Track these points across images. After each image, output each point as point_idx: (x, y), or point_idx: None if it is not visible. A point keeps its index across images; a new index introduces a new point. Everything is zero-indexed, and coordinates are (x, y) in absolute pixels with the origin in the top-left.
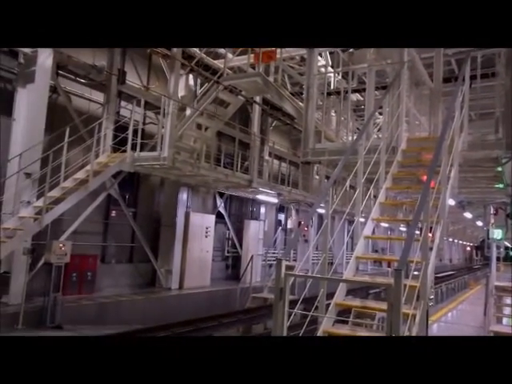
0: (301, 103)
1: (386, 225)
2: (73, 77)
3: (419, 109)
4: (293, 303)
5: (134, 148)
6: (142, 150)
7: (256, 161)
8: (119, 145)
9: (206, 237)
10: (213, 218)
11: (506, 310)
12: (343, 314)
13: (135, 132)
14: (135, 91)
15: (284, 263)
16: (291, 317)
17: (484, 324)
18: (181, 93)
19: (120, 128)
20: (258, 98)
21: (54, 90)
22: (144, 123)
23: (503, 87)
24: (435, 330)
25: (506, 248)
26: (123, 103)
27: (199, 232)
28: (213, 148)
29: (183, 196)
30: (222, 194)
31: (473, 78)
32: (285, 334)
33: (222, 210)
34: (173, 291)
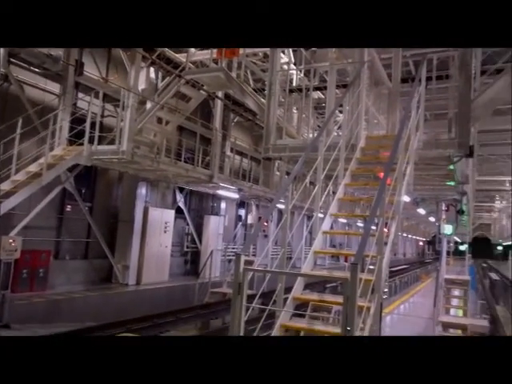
0: (263, 99)
1: (345, 220)
2: (26, 65)
3: (378, 108)
4: (251, 298)
5: (91, 141)
6: (99, 143)
7: (217, 156)
8: (76, 137)
9: (165, 232)
10: (172, 212)
11: (454, 302)
12: (301, 307)
13: (93, 125)
14: (93, 83)
15: (243, 258)
16: (249, 311)
17: (433, 315)
18: (141, 86)
19: (77, 120)
20: (220, 93)
21: (5, 78)
22: (102, 116)
23: (456, 89)
24: (388, 321)
25: (456, 243)
26: (80, 95)
27: (158, 227)
28: (173, 142)
29: (142, 191)
30: (182, 189)
31: (429, 79)
32: (242, 328)
33: (181, 205)
34: (130, 287)
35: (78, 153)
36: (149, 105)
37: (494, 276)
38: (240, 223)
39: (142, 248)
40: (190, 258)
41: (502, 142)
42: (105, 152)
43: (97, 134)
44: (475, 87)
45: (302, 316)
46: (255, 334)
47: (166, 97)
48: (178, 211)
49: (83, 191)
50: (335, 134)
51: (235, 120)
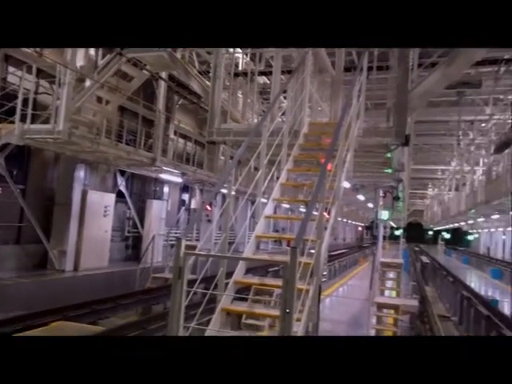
0: (208, 82)
1: (288, 205)
2: None
3: (322, 95)
4: (193, 282)
5: (23, 119)
6: (33, 121)
7: (160, 139)
8: (6, 115)
9: (105, 216)
10: (113, 196)
11: (389, 283)
12: (244, 291)
13: (25, 101)
14: (26, 56)
15: (183, 242)
16: (189, 296)
17: (369, 296)
18: (79, 62)
19: (7, 96)
20: (163, 74)
21: None
22: (36, 92)
23: (395, 80)
24: (328, 303)
25: (392, 228)
26: (11, 69)
27: (97, 211)
28: (114, 123)
29: (80, 173)
30: (123, 172)
31: (370, 69)
32: (182, 312)
33: (123, 188)
34: (66, 273)
35: (8, 131)
36: (88, 83)
37: (424, 259)
38: (183, 208)
39: (80, 232)
40: (132, 243)
41: (435, 133)
42: (39, 131)
43: (30, 111)
44: (412, 79)
45: (244, 300)
46: (196, 319)
47: (106, 75)
48: (119, 195)
49: (15, 173)
50: (279, 119)
51: (179, 102)
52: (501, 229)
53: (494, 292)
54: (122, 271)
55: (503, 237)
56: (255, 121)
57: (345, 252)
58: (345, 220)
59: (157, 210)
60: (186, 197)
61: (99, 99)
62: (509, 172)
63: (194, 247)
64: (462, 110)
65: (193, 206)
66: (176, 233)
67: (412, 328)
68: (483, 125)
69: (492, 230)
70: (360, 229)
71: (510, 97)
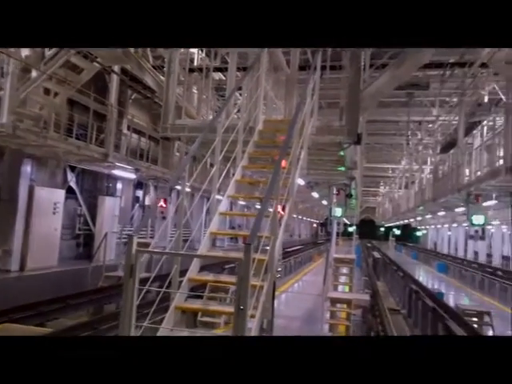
0: (162, 77)
1: (244, 202)
2: None
3: (276, 93)
4: (146, 281)
5: None
6: None
7: (113, 134)
8: None
9: (54, 213)
10: (62, 193)
11: (342, 279)
12: (200, 289)
13: None
14: None
15: (135, 240)
16: (141, 294)
17: (323, 292)
18: (25, 52)
19: None
20: (116, 68)
21: None
22: None
23: (347, 80)
24: (283, 299)
25: (345, 224)
26: None
27: (46, 208)
28: (63, 117)
29: (27, 168)
30: (73, 168)
31: (323, 68)
32: (134, 312)
33: (73, 184)
34: (12, 273)
35: None
36: (34, 74)
37: (376, 254)
38: (137, 205)
39: (26, 231)
40: (83, 241)
41: (386, 133)
42: None
43: None
44: (364, 79)
45: (200, 297)
46: (149, 318)
47: (53, 66)
48: (70, 191)
49: None
50: (234, 116)
51: (133, 97)
52: (446, 225)
53: (440, 285)
54: (73, 270)
55: (448, 233)
56: (210, 117)
57: (300, 248)
58: (300, 217)
59: (109, 206)
60: (140, 193)
61: (47, 91)
62: (454, 171)
63: (147, 245)
64: (411, 110)
65: (147, 202)
66: (130, 230)
67: (364, 322)
68: (430, 125)
69: (438, 226)
70: (315, 225)
71: (454, 99)
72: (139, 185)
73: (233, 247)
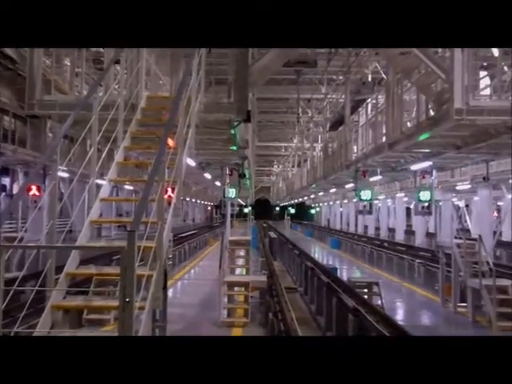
0: None
1: (132, 187)
2: None
3: (162, 68)
4: (21, 280)
5: None
6: None
7: None
8: None
9: None
10: None
11: (239, 262)
12: (86, 284)
13: None
14: None
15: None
16: (9, 295)
17: (219, 276)
18: None
19: None
20: None
21: None
22: None
23: (235, 55)
24: (179, 287)
25: (240, 206)
26: None
27: None
28: None
29: None
30: None
31: None
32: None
33: None
34: None
35: None
36: None
37: (272, 234)
38: (3, 194)
39: None
40: None
41: (277, 110)
42: None
43: None
44: (253, 54)
45: (85, 293)
46: (19, 321)
47: None
48: None
49: None
50: (114, 91)
51: None
52: (338, 202)
53: (334, 261)
54: None
55: (340, 209)
56: (85, 93)
57: (194, 233)
58: (194, 200)
59: None
60: (6, 181)
61: None
62: (343, 148)
63: (14, 239)
64: (301, 88)
65: (15, 191)
66: None
67: (261, 303)
68: (319, 103)
69: (331, 203)
70: (209, 208)
71: (341, 77)
72: (5, 171)
73: (120, 236)
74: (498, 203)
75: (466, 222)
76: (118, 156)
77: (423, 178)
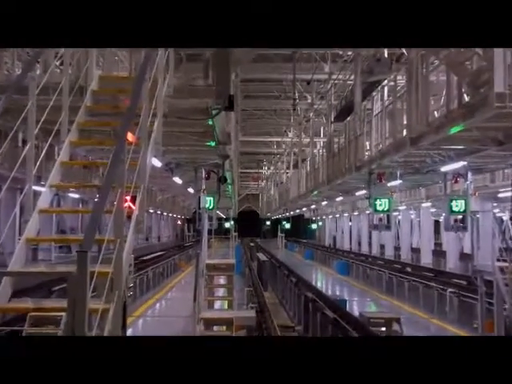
0: None
1: (76, 195)
2: None
3: None
4: None
5: None
6: None
7: None
8: None
9: None
10: None
11: (219, 292)
12: (19, 322)
13: None
14: None
15: None
16: None
17: (194, 311)
18: None
19: None
20: None
21: None
22: None
23: None
24: (141, 325)
25: (220, 219)
26: None
27: None
28: None
29: None
30: None
31: None
32: None
33: None
34: None
35: None
36: None
37: (261, 257)
38: None
39: None
40: None
41: (267, 95)
42: None
43: None
44: None
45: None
46: None
47: None
48: None
49: None
50: (56, 70)
51: None
52: (346, 214)
53: (342, 290)
54: None
55: (349, 223)
56: (18, 71)
57: (161, 255)
58: (159, 212)
59: None
60: None
61: None
62: (352, 143)
63: None
64: (298, 66)
65: None
66: None
67: None
68: (322, 86)
69: (337, 216)
70: (179, 222)
71: (349, 52)
72: None
73: (64, 260)
74: None
75: (511, 239)
76: (62, 154)
77: (456, 182)
